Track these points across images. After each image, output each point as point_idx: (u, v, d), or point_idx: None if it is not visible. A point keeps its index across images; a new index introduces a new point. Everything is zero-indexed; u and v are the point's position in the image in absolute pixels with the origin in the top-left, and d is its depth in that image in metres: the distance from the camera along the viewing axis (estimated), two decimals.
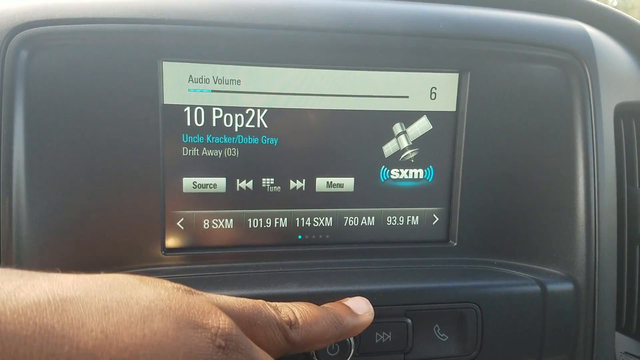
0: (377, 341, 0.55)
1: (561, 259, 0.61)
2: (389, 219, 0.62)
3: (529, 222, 0.62)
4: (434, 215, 0.62)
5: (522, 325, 0.58)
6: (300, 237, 0.60)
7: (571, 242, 0.60)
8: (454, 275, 0.59)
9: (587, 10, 0.68)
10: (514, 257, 0.62)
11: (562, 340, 0.60)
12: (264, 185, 0.58)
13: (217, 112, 0.56)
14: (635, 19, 0.69)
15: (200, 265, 0.57)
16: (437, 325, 0.57)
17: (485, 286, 0.58)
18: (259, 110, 0.57)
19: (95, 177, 0.53)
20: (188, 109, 0.56)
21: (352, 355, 0.54)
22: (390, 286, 0.56)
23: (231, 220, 0.59)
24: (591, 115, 0.60)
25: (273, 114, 0.57)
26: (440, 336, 0.57)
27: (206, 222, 0.58)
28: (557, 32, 0.61)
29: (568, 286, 0.60)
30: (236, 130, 0.57)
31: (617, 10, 0.69)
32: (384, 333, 0.55)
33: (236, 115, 0.57)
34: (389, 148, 0.60)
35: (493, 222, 0.62)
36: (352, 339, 0.53)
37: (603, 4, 0.69)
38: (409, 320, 0.56)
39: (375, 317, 0.54)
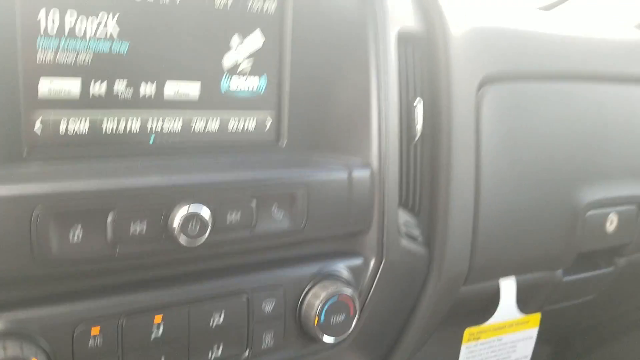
0: (227, 223, 0.66)
1: (361, 151, 0.79)
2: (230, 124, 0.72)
3: (341, 124, 0.78)
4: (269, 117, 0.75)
5: (336, 202, 0.75)
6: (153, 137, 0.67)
7: (368, 138, 0.78)
8: (287, 165, 0.72)
9: None
10: (330, 152, 0.78)
11: (363, 213, 0.79)
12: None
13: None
14: None
15: (59, 167, 0.60)
16: (275, 204, 0.70)
17: (310, 174, 0.73)
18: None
19: None
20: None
21: (209, 233, 0.63)
22: (238, 175, 0.67)
23: (87, 122, 0.62)
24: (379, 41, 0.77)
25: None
26: (277, 214, 0.70)
27: (63, 124, 0.61)
28: None
29: (366, 172, 0.78)
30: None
31: None
32: (234, 213, 0.66)
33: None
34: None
35: (315, 125, 0.77)
36: (208, 219, 0.63)
37: None
38: (255, 201, 0.68)
39: (227, 201, 0.65)
